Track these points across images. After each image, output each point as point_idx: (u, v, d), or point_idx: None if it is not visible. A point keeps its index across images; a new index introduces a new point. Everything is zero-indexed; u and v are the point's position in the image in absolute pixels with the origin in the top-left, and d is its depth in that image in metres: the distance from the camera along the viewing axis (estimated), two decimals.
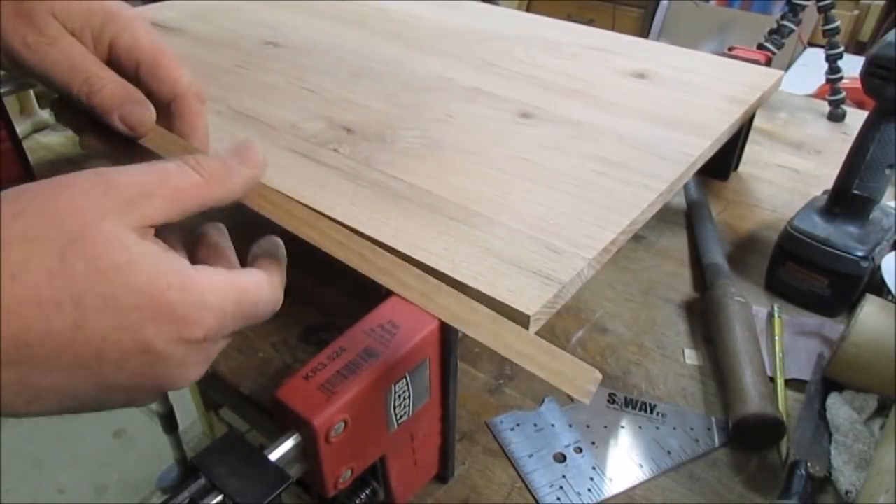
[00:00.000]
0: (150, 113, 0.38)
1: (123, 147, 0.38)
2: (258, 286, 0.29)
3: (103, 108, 0.37)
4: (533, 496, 0.43)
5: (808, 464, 0.42)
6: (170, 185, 0.27)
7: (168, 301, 0.24)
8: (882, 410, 0.47)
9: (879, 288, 0.55)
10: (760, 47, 0.87)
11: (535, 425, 0.47)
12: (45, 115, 0.88)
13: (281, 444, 0.32)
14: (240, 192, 0.31)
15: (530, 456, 0.45)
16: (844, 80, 0.85)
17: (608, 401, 0.49)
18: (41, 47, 0.36)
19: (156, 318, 0.24)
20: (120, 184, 0.25)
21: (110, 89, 0.37)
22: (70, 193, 0.24)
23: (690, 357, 0.53)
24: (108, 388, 0.24)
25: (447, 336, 0.36)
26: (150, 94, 0.39)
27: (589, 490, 0.43)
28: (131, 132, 0.37)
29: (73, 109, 0.38)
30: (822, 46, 0.89)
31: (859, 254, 0.54)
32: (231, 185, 0.30)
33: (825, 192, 0.60)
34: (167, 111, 0.39)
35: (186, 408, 1.43)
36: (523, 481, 0.44)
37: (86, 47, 0.37)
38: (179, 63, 0.40)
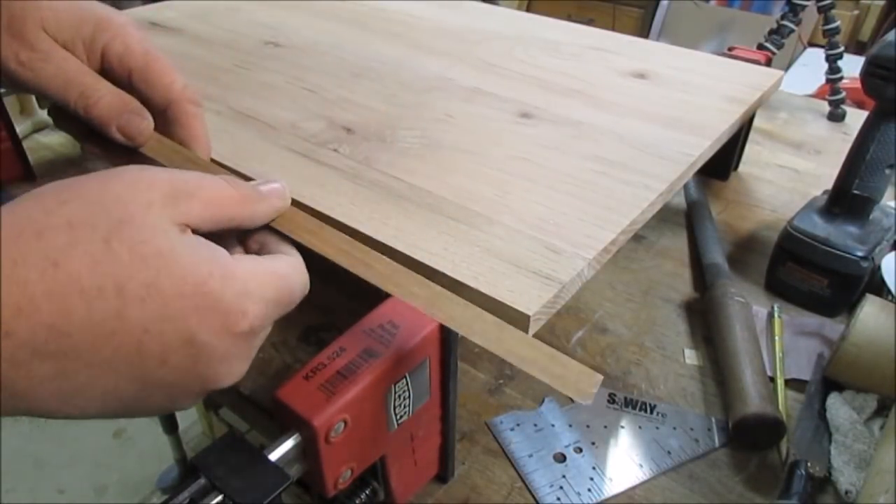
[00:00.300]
0: (148, 122, 0.38)
1: (124, 155, 0.38)
2: (292, 271, 0.29)
3: (101, 119, 0.37)
4: (533, 496, 0.43)
5: (808, 464, 0.42)
6: (209, 192, 0.27)
7: (211, 290, 0.24)
8: (882, 410, 0.47)
9: (879, 288, 0.55)
10: (760, 47, 0.87)
11: (535, 425, 0.47)
12: (45, 115, 0.88)
13: (281, 444, 0.32)
14: (267, 216, 0.31)
15: (530, 456, 0.45)
16: (844, 80, 0.85)
17: (608, 401, 0.49)
18: (35, 63, 0.36)
19: (199, 309, 0.23)
20: (165, 180, 0.25)
21: (106, 101, 0.37)
22: (116, 183, 0.24)
23: (690, 357, 0.53)
24: (150, 386, 0.24)
25: (447, 336, 0.36)
26: (145, 102, 0.38)
27: (589, 490, 0.43)
28: (130, 142, 0.37)
29: (72, 118, 0.38)
30: (822, 46, 0.89)
31: (859, 254, 0.54)
32: (262, 209, 0.31)
33: (825, 192, 0.60)
34: (164, 118, 0.39)
35: None
36: (523, 481, 0.44)
37: (78, 58, 0.37)
38: (172, 68, 0.39)
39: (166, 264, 0.23)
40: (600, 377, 0.28)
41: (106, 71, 0.38)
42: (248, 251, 0.31)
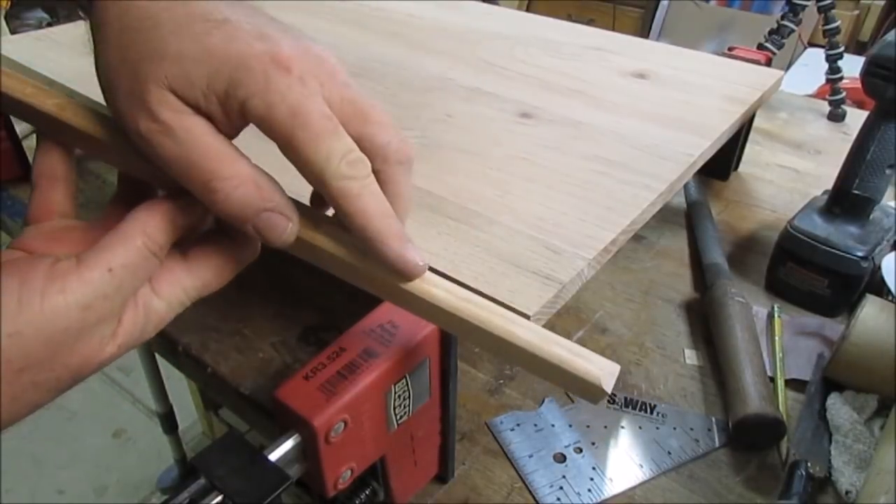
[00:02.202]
0: (293, 226, 0.30)
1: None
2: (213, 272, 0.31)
3: (232, 218, 0.29)
4: (533, 496, 0.43)
5: (808, 464, 0.42)
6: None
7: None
8: (882, 410, 0.47)
9: (879, 288, 0.55)
10: (760, 47, 0.87)
11: (535, 425, 0.47)
12: None
13: (281, 444, 0.32)
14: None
15: (530, 456, 0.45)
16: (844, 80, 0.85)
17: (608, 401, 0.49)
18: (154, 137, 0.28)
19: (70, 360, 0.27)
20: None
21: (240, 194, 0.28)
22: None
23: (690, 357, 0.53)
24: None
25: (447, 336, 0.36)
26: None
27: (589, 490, 0.43)
28: (269, 244, 0.30)
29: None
30: (822, 46, 0.89)
31: (859, 254, 0.54)
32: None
33: (825, 192, 0.60)
34: (319, 195, 0.33)
35: (186, 408, 1.43)
36: (523, 481, 0.44)
37: (214, 120, 0.29)
38: (322, 140, 0.28)
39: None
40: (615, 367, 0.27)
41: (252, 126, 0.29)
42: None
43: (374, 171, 0.30)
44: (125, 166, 0.33)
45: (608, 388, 0.26)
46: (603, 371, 0.26)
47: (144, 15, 0.29)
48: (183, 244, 0.30)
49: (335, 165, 0.29)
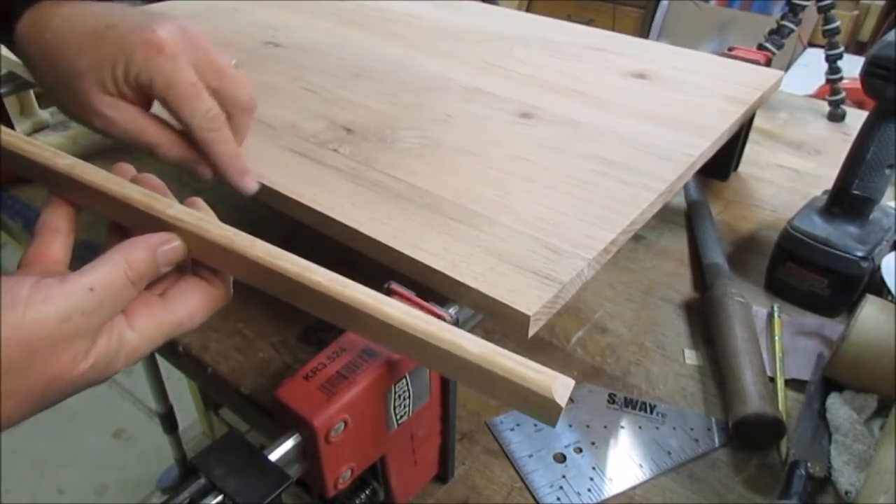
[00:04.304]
0: (208, 171, 0.44)
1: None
2: (187, 316, 0.33)
3: (168, 161, 0.43)
4: (533, 496, 0.43)
5: (808, 464, 0.42)
6: (119, 297, 0.31)
7: (116, 371, 0.31)
8: (882, 410, 0.47)
9: (879, 288, 0.55)
10: (760, 47, 0.87)
11: (535, 425, 0.47)
12: (45, 115, 0.88)
13: (281, 444, 0.32)
14: (156, 275, 0.33)
15: (530, 456, 0.45)
16: (844, 80, 0.85)
17: (608, 401, 0.49)
18: (107, 128, 0.41)
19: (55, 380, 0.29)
20: (81, 308, 0.29)
21: (174, 152, 0.43)
22: (41, 346, 0.28)
23: (690, 357, 0.53)
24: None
25: None
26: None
27: (589, 490, 0.43)
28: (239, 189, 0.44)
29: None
30: (822, 46, 0.89)
31: (859, 254, 0.54)
32: (142, 284, 0.32)
33: (825, 192, 0.60)
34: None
35: (186, 408, 1.43)
36: (523, 481, 0.44)
37: (134, 101, 0.41)
38: (188, 101, 0.41)
39: (86, 384, 0.29)
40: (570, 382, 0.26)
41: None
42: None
43: (227, 114, 0.42)
44: (122, 218, 0.36)
45: (562, 401, 0.25)
46: (555, 381, 0.25)
47: (54, 45, 0.40)
48: (162, 284, 0.33)
49: (198, 120, 0.41)
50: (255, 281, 0.32)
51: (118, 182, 0.35)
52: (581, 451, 0.46)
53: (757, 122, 0.82)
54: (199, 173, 0.44)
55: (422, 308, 0.36)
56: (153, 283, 0.32)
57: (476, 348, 0.27)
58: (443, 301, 0.38)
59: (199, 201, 0.35)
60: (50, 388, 0.28)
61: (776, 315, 0.56)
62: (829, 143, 0.83)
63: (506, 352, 0.27)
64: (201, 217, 0.33)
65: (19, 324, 0.27)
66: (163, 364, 1.20)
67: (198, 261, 0.33)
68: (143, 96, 0.42)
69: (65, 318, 0.28)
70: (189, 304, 0.32)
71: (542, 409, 0.26)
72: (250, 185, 0.45)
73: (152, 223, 0.33)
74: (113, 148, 0.79)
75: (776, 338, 0.54)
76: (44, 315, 0.27)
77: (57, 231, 0.35)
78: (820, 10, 0.82)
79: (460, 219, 0.43)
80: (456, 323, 0.36)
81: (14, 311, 0.27)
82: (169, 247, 0.32)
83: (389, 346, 0.31)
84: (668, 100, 0.60)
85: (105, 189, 0.34)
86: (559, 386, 0.25)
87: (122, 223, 0.36)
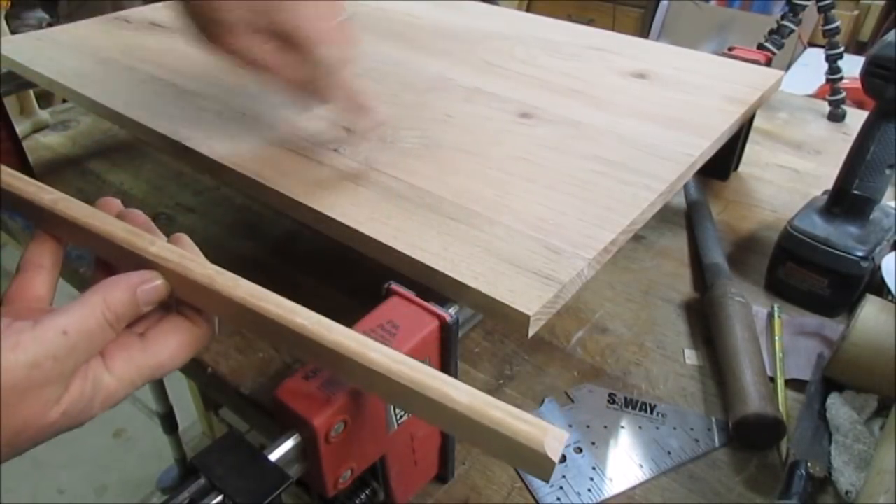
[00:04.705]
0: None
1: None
2: (167, 358, 0.32)
3: (288, 83, 0.45)
4: (533, 496, 0.43)
5: (808, 464, 0.42)
6: (97, 341, 0.30)
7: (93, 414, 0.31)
8: (882, 410, 0.47)
9: (879, 288, 0.55)
10: (760, 47, 0.87)
11: None
12: (45, 115, 0.88)
13: (281, 444, 0.32)
14: (137, 314, 0.32)
15: None
16: (844, 80, 0.85)
17: (608, 401, 0.49)
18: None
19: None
20: (53, 354, 0.28)
21: (288, 73, 0.44)
22: (10, 396, 0.27)
23: (690, 357, 0.53)
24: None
25: (447, 336, 0.36)
26: None
27: (589, 490, 0.43)
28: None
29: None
30: (822, 46, 0.89)
31: (859, 254, 0.54)
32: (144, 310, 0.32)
33: (825, 192, 0.60)
34: None
35: (186, 408, 1.43)
36: (523, 481, 0.44)
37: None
38: (319, 47, 0.44)
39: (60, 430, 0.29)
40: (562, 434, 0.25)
41: None
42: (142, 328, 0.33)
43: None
44: (106, 254, 0.35)
45: (555, 456, 0.23)
46: (547, 435, 0.24)
47: None
48: (143, 323, 0.32)
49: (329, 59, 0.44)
50: (239, 322, 0.32)
51: (101, 218, 0.34)
52: (581, 451, 0.46)
53: (757, 122, 0.82)
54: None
55: (422, 308, 0.36)
56: (134, 322, 0.32)
57: (464, 398, 0.26)
58: (443, 301, 0.38)
59: (184, 238, 0.34)
60: (17, 437, 0.27)
61: (776, 315, 0.56)
62: (829, 143, 0.83)
63: (496, 402, 0.25)
64: (184, 255, 0.32)
65: None
66: None
67: (181, 300, 0.33)
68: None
69: (34, 365, 0.27)
70: (170, 346, 0.32)
71: (534, 464, 0.24)
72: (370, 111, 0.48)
73: (135, 260, 0.33)
74: (113, 148, 0.79)
75: (776, 338, 0.54)
76: (12, 363, 0.26)
77: (41, 267, 0.34)
78: (820, 10, 0.82)
79: (460, 219, 0.43)
80: (456, 323, 0.36)
81: None
82: (150, 286, 0.31)
83: (377, 393, 0.29)
84: (668, 100, 0.60)
85: (87, 225, 0.34)
86: (551, 440, 0.24)
87: (107, 259, 0.36)
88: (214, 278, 0.31)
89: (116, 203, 0.36)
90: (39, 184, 0.36)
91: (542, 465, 0.24)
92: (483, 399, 0.26)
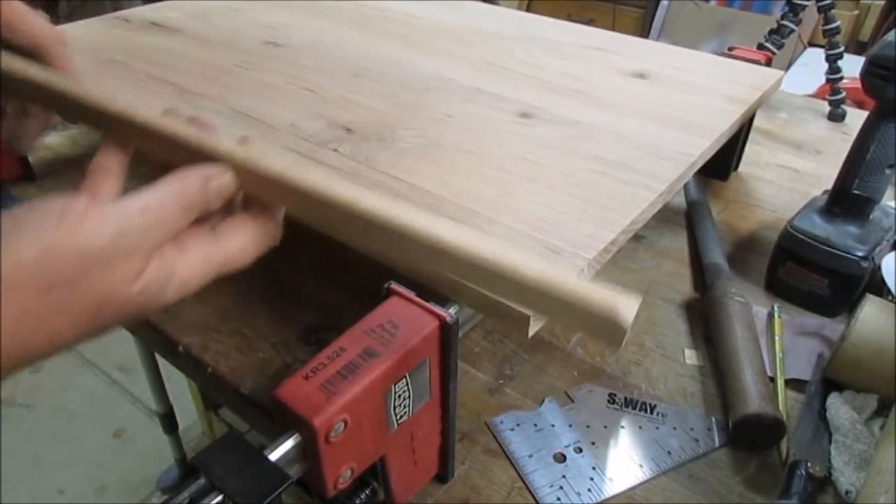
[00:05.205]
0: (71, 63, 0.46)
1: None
2: (238, 249, 0.33)
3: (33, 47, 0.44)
4: (533, 496, 0.43)
5: (808, 464, 0.42)
6: (173, 223, 0.31)
7: (167, 303, 0.31)
8: (882, 410, 0.47)
9: (879, 288, 0.55)
10: (760, 47, 0.87)
11: (535, 425, 0.47)
12: None
13: (281, 444, 0.32)
14: (211, 207, 0.33)
15: (530, 456, 0.45)
16: (844, 80, 0.85)
17: (608, 401, 0.49)
18: None
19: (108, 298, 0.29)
20: (134, 229, 0.29)
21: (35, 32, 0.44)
22: (95, 263, 0.28)
23: (690, 357, 0.53)
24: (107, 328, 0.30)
25: (447, 336, 0.36)
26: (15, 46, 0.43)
27: (589, 490, 0.43)
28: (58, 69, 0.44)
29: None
30: (822, 46, 0.89)
31: (859, 254, 0.54)
32: (195, 213, 0.33)
33: (825, 192, 0.60)
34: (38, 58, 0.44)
35: (186, 408, 1.43)
36: (523, 481, 0.44)
37: None
38: (28, 12, 0.43)
39: (142, 310, 0.30)
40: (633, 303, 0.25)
41: None
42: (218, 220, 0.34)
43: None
44: (174, 157, 0.36)
45: (627, 322, 0.24)
46: (618, 301, 0.24)
47: None
48: (211, 221, 0.33)
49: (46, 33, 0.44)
50: (306, 213, 0.33)
51: (172, 122, 0.36)
52: (581, 451, 0.46)
53: (757, 122, 0.82)
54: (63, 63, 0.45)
55: (422, 308, 0.36)
56: (203, 219, 0.32)
57: (533, 271, 0.26)
58: (443, 301, 0.38)
59: (249, 139, 0.35)
60: (102, 306, 0.28)
61: (776, 315, 0.56)
62: (829, 143, 0.83)
63: (565, 274, 0.26)
64: (251, 150, 0.33)
65: (75, 234, 0.27)
66: (163, 364, 1.20)
67: (248, 198, 0.34)
68: None
69: (120, 234, 0.28)
70: (239, 240, 0.33)
71: (607, 331, 0.25)
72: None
73: (205, 159, 0.33)
74: None
75: (776, 338, 0.54)
76: (99, 228, 0.28)
77: (108, 171, 0.35)
78: (820, 9, 0.82)
79: (460, 219, 0.43)
80: (456, 323, 0.36)
81: (70, 221, 0.27)
82: (220, 181, 0.32)
83: (444, 270, 0.30)
84: (668, 100, 0.60)
85: (160, 127, 0.35)
86: (623, 307, 0.24)
87: (174, 162, 0.36)
88: (284, 170, 0.32)
89: (181, 114, 0.38)
90: (106, 95, 0.38)
91: (613, 332, 0.24)
92: (554, 272, 0.26)
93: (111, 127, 0.37)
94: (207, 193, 0.32)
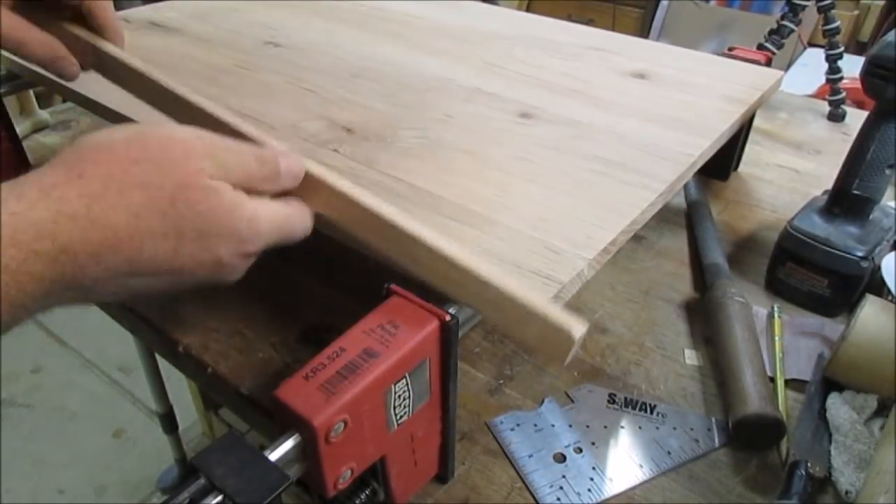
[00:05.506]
0: (76, 69, 0.47)
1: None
2: (295, 213, 0.37)
3: (36, 62, 0.46)
4: (533, 496, 0.43)
5: (808, 464, 0.42)
6: (241, 168, 0.34)
7: (238, 230, 0.33)
8: (882, 410, 0.47)
9: (879, 288, 0.55)
10: (760, 47, 0.87)
11: (535, 425, 0.47)
12: (45, 115, 0.88)
13: (281, 444, 0.32)
14: (280, 189, 0.37)
15: (530, 456, 0.45)
16: (844, 80, 0.85)
17: (608, 401, 0.49)
18: None
19: (229, 242, 0.33)
20: (210, 150, 0.33)
21: (37, 53, 0.45)
22: (175, 149, 0.32)
23: (690, 357, 0.53)
24: (180, 285, 0.33)
25: (447, 336, 0.36)
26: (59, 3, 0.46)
27: (589, 490, 0.43)
28: (63, 80, 0.48)
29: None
30: (822, 46, 0.89)
31: (859, 254, 0.54)
32: (273, 187, 0.36)
33: (825, 192, 0.60)
34: (79, 13, 0.47)
35: (186, 408, 1.43)
36: (523, 481, 0.44)
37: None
38: None
39: (213, 216, 0.32)
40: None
41: None
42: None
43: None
44: None
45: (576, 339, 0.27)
46: (572, 323, 0.27)
47: None
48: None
49: None
50: (338, 213, 0.38)
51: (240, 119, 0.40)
52: (581, 451, 0.46)
53: (757, 122, 0.82)
54: (66, 73, 0.47)
55: (422, 308, 0.36)
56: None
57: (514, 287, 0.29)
58: (443, 301, 0.38)
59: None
60: (178, 194, 0.31)
61: (776, 315, 0.56)
62: (829, 143, 0.83)
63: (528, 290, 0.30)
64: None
65: (159, 126, 0.32)
66: (163, 364, 1.19)
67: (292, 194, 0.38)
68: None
69: (199, 136, 0.33)
70: (298, 206, 0.37)
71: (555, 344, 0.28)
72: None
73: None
74: None
75: (776, 338, 0.54)
76: (181, 128, 0.33)
77: None
78: (820, 10, 0.82)
79: (460, 219, 0.43)
80: (456, 323, 0.36)
81: (154, 124, 0.32)
82: (292, 158, 0.36)
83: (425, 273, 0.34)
84: (668, 100, 0.60)
85: (233, 124, 0.39)
86: (576, 324, 0.27)
87: None
88: (326, 174, 0.37)
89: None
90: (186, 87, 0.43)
91: (561, 346, 0.28)
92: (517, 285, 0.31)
93: (177, 111, 0.43)
94: (279, 164, 0.35)
